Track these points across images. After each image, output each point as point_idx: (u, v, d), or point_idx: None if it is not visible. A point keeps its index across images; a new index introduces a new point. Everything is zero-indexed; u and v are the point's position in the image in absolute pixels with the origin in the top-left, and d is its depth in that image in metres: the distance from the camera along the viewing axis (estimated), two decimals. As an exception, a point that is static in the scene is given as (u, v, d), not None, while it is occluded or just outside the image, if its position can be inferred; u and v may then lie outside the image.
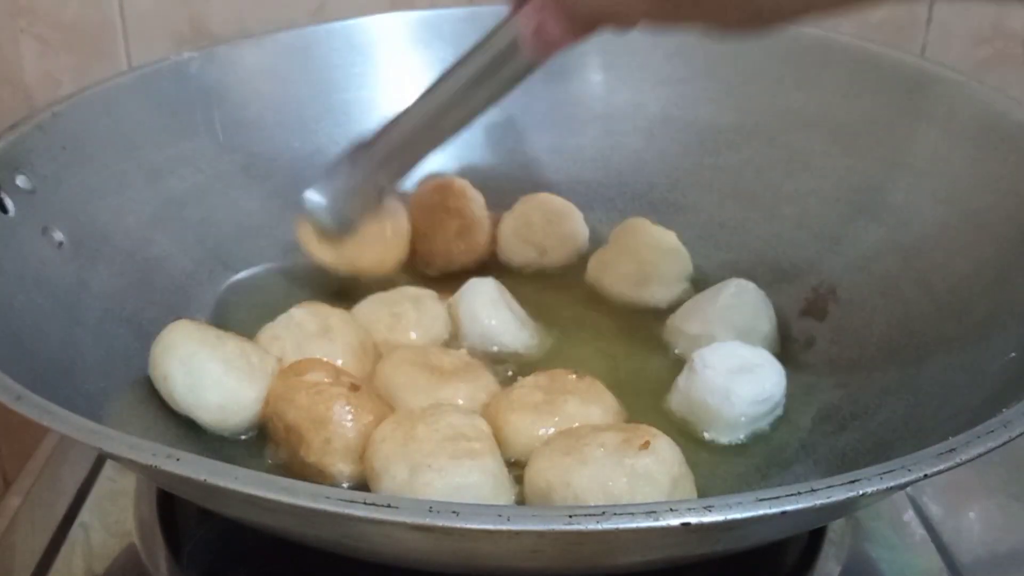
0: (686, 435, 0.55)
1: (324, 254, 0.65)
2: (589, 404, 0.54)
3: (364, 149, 0.62)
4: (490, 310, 0.61)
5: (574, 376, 0.55)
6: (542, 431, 0.52)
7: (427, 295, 0.64)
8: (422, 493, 0.47)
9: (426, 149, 0.61)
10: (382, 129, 0.61)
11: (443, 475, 0.47)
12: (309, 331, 0.58)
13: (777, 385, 0.56)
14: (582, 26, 0.47)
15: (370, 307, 0.63)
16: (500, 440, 0.52)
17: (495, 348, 0.61)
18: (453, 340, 0.62)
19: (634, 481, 0.46)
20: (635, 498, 0.46)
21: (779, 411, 0.56)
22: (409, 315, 0.62)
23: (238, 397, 0.53)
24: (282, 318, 0.59)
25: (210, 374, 0.53)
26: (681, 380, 0.57)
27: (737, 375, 0.54)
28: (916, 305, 0.59)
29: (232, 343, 0.55)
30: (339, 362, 0.56)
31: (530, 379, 0.56)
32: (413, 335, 0.61)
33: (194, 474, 0.36)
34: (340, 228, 0.64)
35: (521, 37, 0.51)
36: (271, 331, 0.58)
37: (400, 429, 0.49)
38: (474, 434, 0.50)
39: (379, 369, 0.57)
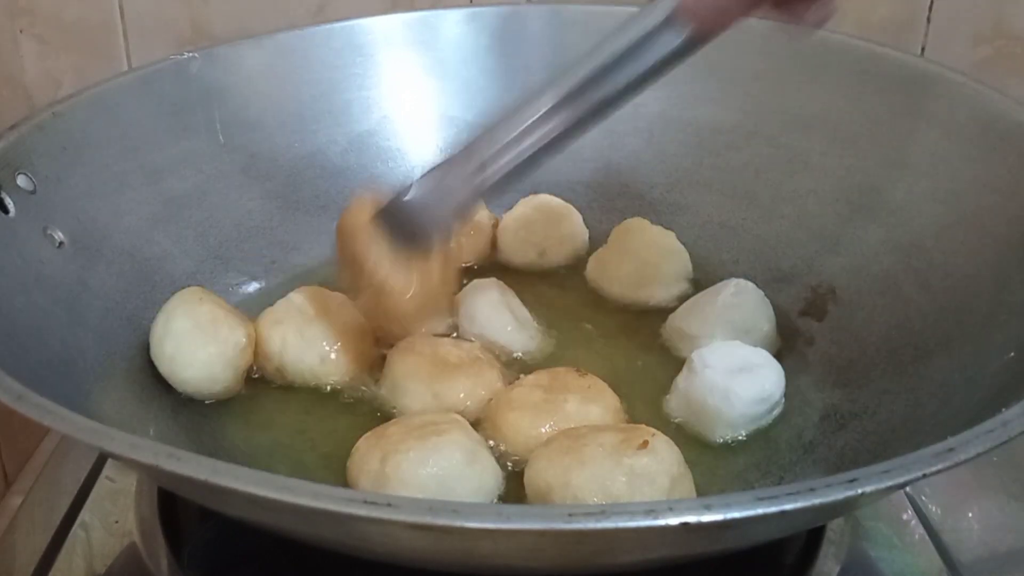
0: (685, 434, 0.55)
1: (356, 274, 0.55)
2: (589, 403, 0.54)
3: (470, 146, 0.52)
4: (489, 312, 0.61)
5: (576, 373, 0.55)
6: (541, 430, 0.52)
7: None
8: (393, 476, 0.48)
9: (544, 147, 0.50)
10: (493, 123, 0.51)
11: (410, 454, 0.48)
12: (309, 315, 0.59)
13: (776, 385, 0.56)
14: None
15: None
16: (500, 438, 0.53)
17: (493, 349, 0.61)
18: (455, 336, 0.62)
19: (633, 481, 0.46)
20: (634, 497, 0.46)
21: (778, 410, 0.56)
22: None
23: (190, 353, 0.56)
24: (281, 303, 0.60)
25: (176, 328, 0.57)
26: (681, 380, 0.57)
27: (737, 375, 0.55)
28: (915, 305, 0.59)
29: (208, 307, 0.57)
30: (337, 344, 0.58)
31: (531, 377, 0.56)
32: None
33: (195, 473, 0.36)
34: (420, 235, 0.53)
35: (680, 8, 0.44)
36: (272, 315, 0.60)
37: (374, 435, 0.51)
38: (443, 420, 0.51)
39: (389, 355, 0.58)
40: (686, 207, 0.73)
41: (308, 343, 0.58)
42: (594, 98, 0.49)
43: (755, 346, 0.58)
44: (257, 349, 0.59)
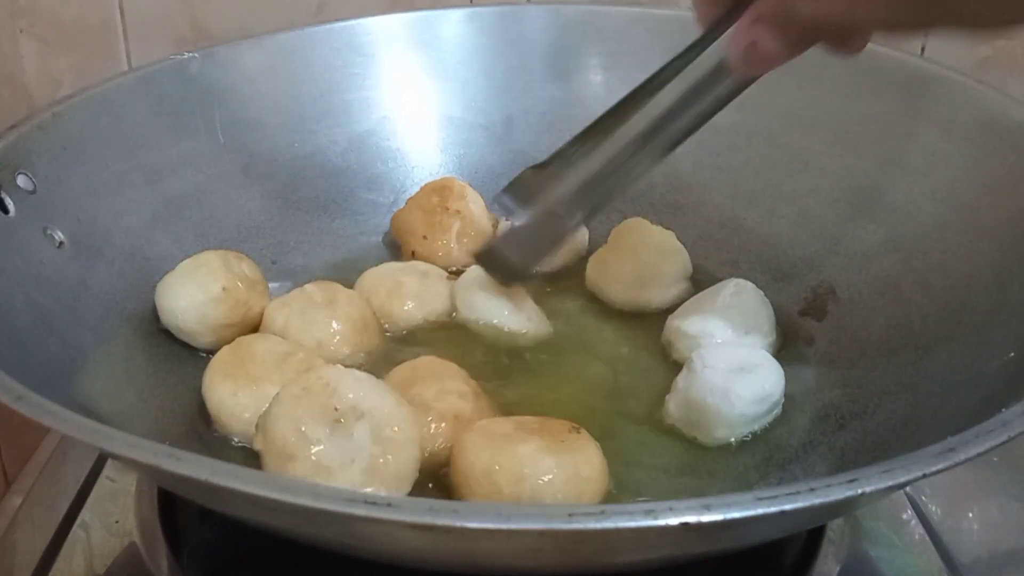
0: (685, 435, 0.55)
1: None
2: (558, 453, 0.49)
3: (546, 175, 0.57)
4: (486, 296, 0.63)
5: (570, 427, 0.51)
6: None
7: (435, 272, 0.66)
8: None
9: (618, 184, 0.57)
10: (563, 155, 0.56)
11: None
12: (316, 301, 0.60)
13: (776, 385, 0.56)
14: (801, 41, 0.44)
15: (377, 273, 0.65)
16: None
17: (489, 327, 0.62)
18: (452, 318, 0.64)
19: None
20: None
21: (778, 411, 0.56)
22: (411, 285, 0.64)
23: (187, 296, 0.59)
24: (295, 291, 0.62)
25: (180, 273, 0.60)
26: (680, 380, 0.57)
27: (736, 375, 0.54)
28: (915, 305, 0.59)
29: (213, 256, 0.60)
30: (338, 329, 0.59)
31: (520, 418, 0.52)
32: (410, 304, 0.63)
33: (195, 473, 0.36)
34: (522, 264, 0.63)
35: (731, 57, 0.46)
36: (282, 299, 0.62)
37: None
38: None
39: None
40: (686, 207, 0.73)
41: (307, 325, 0.59)
42: (656, 143, 0.55)
43: (755, 346, 0.58)
44: (261, 329, 0.61)
